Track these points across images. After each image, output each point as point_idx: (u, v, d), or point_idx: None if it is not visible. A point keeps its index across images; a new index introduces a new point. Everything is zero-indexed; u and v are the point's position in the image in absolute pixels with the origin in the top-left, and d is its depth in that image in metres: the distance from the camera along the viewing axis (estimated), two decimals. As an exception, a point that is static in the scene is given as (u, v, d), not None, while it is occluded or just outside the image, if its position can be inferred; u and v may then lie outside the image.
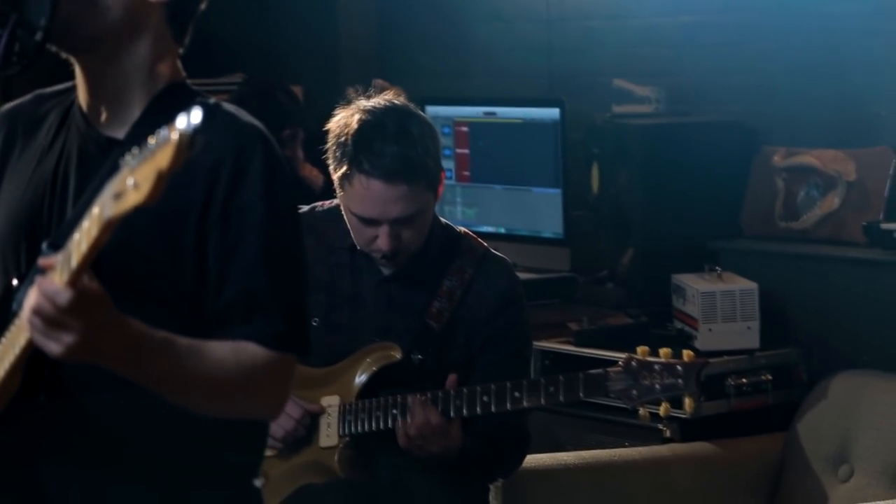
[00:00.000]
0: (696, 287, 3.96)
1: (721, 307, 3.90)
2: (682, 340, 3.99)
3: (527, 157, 4.72)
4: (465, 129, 4.89)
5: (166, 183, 1.61)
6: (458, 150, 4.92)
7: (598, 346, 4.00)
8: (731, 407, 3.88)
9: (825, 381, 3.80)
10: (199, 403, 1.95)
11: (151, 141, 1.64)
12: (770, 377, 3.92)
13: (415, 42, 5.37)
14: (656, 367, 2.71)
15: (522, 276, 4.65)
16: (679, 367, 2.71)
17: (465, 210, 4.92)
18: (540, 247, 4.69)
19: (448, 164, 4.94)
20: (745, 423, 3.90)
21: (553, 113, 4.60)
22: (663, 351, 2.73)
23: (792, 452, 3.79)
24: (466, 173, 4.92)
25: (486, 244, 2.97)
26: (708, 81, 4.44)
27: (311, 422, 2.83)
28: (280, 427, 2.77)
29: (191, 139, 1.60)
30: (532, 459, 3.62)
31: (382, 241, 2.79)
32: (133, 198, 1.63)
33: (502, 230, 4.81)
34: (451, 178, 4.94)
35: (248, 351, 1.95)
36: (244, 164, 1.96)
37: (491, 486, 3.29)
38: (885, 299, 3.77)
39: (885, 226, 3.78)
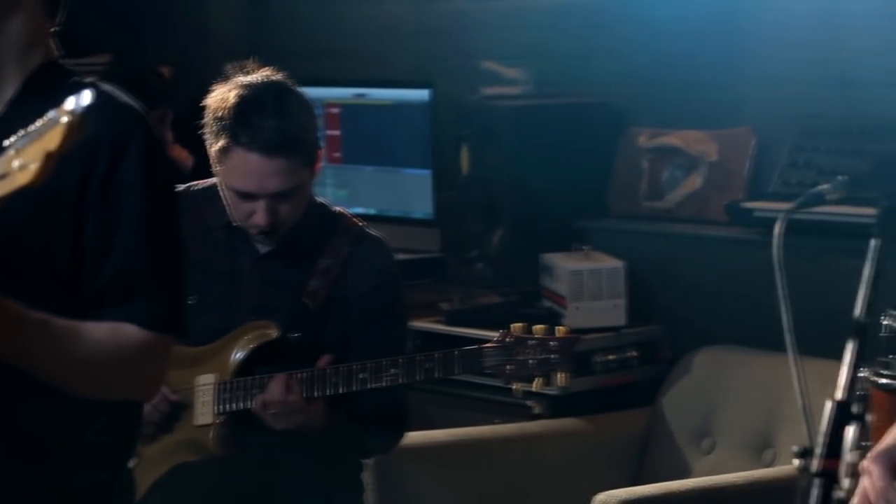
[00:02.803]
0: (564, 266, 4.04)
1: (588, 285, 3.99)
2: (550, 319, 4.04)
3: (397, 138, 4.75)
4: (335, 110, 4.91)
5: (54, 165, 1.62)
6: (329, 132, 4.93)
7: (468, 325, 4.06)
8: (598, 383, 3.97)
9: (688, 357, 3.90)
10: (74, 384, 1.95)
11: (39, 122, 1.64)
12: (636, 354, 4.02)
13: (285, 23, 5.36)
14: (531, 342, 2.76)
15: (393, 256, 4.71)
16: (553, 343, 2.77)
17: (336, 191, 4.93)
18: (411, 228, 4.73)
19: (318, 146, 4.95)
20: (611, 398, 4.00)
21: (423, 94, 4.65)
22: (537, 327, 2.79)
23: (657, 427, 3.89)
24: (337, 155, 4.94)
25: (363, 223, 3.00)
26: (575, 63, 4.52)
27: (170, 406, 2.83)
28: None
29: (81, 121, 1.60)
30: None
31: (260, 216, 2.80)
32: (19, 179, 1.63)
33: (373, 211, 4.83)
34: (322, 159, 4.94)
35: (126, 332, 1.95)
36: (122, 144, 1.96)
37: (364, 465, 3.32)
38: (745, 277, 3.89)
39: (745, 205, 3.89)
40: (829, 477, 1.79)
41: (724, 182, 4.07)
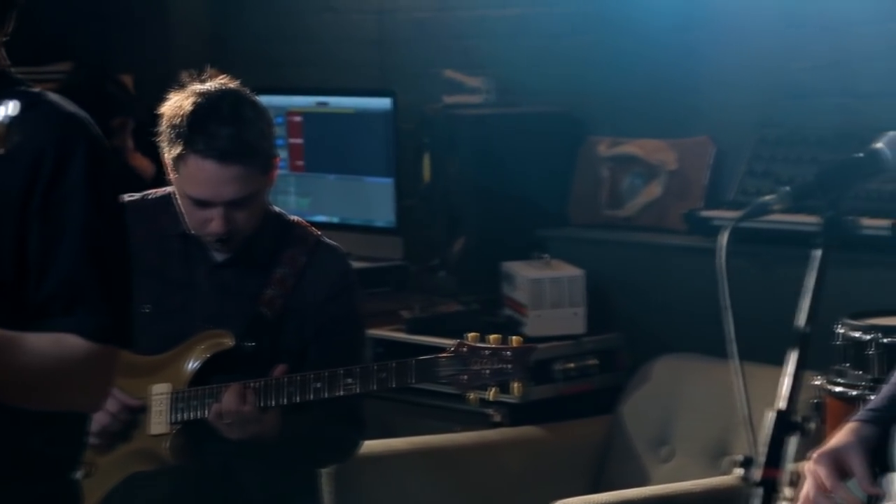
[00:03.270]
0: (524, 274, 4.05)
1: (549, 294, 4.00)
2: (511, 327, 4.07)
3: (359, 146, 4.76)
4: (298, 118, 4.92)
5: None
6: (292, 140, 4.94)
7: (429, 333, 4.07)
8: (558, 391, 3.99)
9: (647, 365, 3.92)
10: (17, 395, 1.93)
11: None
12: (596, 362, 4.04)
13: (247, 31, 5.36)
14: (485, 352, 2.76)
15: (355, 265, 4.69)
16: (508, 353, 2.76)
17: (298, 199, 4.94)
18: (373, 236, 4.75)
19: (281, 154, 4.97)
20: (572, 406, 4.02)
21: (385, 103, 4.66)
22: (492, 336, 2.79)
23: (616, 434, 3.90)
24: (300, 163, 4.94)
25: (319, 232, 3.00)
26: (536, 72, 4.54)
27: (131, 414, 2.82)
28: (95, 421, 2.75)
29: (7, 132, 1.59)
30: (363, 446, 3.67)
31: (216, 224, 2.79)
32: None
33: (336, 219, 4.85)
34: (284, 167, 4.96)
35: (69, 343, 1.94)
36: (67, 153, 1.95)
37: (322, 473, 3.32)
38: (704, 285, 3.88)
39: (704, 213, 3.91)
40: (770, 486, 1.80)
41: (683, 191, 4.09)
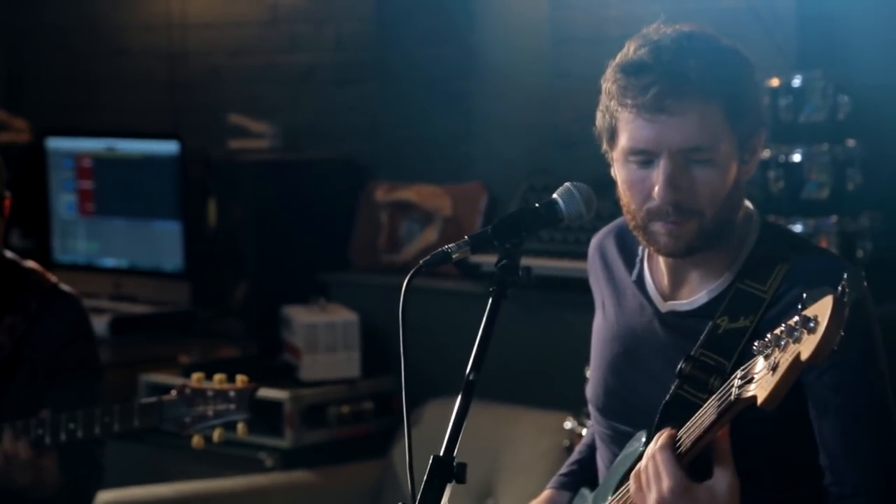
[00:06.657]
0: (299, 319, 4.06)
1: (323, 338, 4.02)
2: (287, 371, 4.09)
3: (148, 190, 4.73)
4: (87, 162, 4.87)
5: None
6: (81, 183, 4.89)
7: (206, 378, 4.03)
8: (333, 435, 4.00)
9: (419, 409, 3.94)
10: None
11: None
12: (371, 405, 4.06)
13: (38, 73, 5.30)
14: (209, 393, 2.75)
15: (142, 309, 4.68)
16: (232, 393, 2.75)
17: (88, 243, 4.89)
18: (161, 280, 4.71)
19: (70, 198, 4.92)
20: (347, 450, 4.02)
21: (172, 147, 4.64)
22: (217, 377, 2.77)
23: (388, 478, 3.91)
24: (90, 206, 4.89)
25: (54, 279, 2.96)
26: (322, 118, 4.57)
27: None
28: None
29: None
30: (126, 494, 3.64)
31: None
32: None
33: (125, 264, 4.81)
34: (73, 210, 4.92)
35: None
36: None
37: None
38: (474, 328, 3.93)
39: (473, 259, 3.94)
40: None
41: (457, 236, 4.07)
